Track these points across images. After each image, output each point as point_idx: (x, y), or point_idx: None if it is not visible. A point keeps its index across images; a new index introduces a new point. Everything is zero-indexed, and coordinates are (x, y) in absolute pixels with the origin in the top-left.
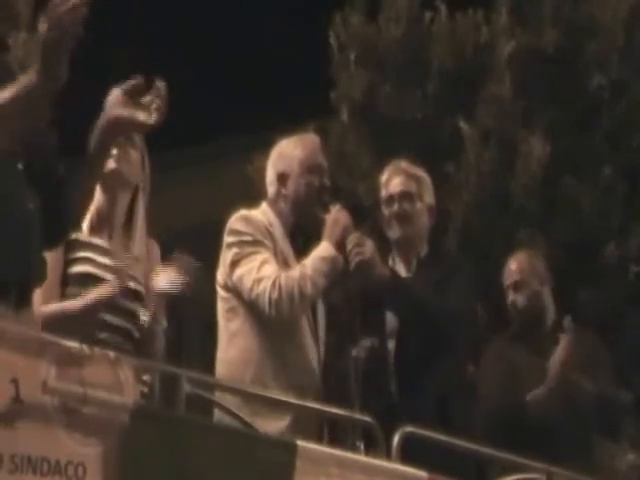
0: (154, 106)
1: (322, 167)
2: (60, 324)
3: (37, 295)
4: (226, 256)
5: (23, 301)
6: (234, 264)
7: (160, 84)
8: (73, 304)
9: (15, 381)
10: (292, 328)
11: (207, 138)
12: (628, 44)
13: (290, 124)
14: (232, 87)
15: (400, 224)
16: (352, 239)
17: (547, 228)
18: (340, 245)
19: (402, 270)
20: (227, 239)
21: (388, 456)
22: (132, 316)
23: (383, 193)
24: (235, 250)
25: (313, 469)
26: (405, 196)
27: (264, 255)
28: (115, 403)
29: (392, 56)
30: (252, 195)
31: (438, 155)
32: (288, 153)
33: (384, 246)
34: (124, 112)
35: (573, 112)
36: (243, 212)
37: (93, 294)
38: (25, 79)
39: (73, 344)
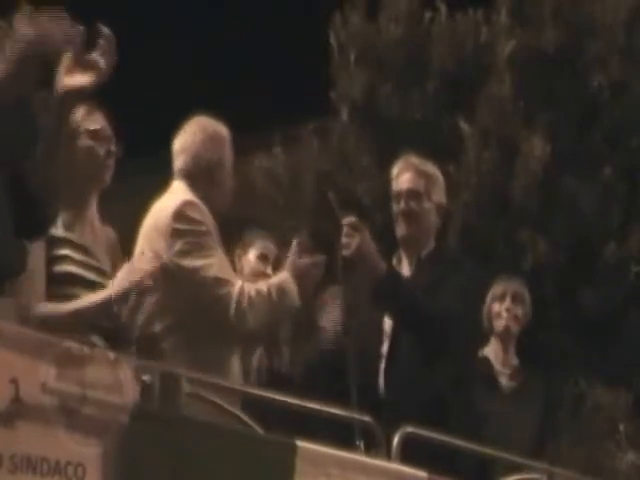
0: (101, 62)
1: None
2: (74, 323)
3: (30, 293)
4: (175, 241)
5: None
6: (188, 252)
7: (105, 32)
8: (86, 303)
9: (15, 381)
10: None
11: None
12: (628, 44)
13: (290, 124)
14: (232, 87)
15: (406, 222)
16: (346, 224)
17: (547, 228)
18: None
19: (406, 269)
20: (178, 225)
21: (388, 456)
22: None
23: (393, 187)
24: (189, 239)
25: (313, 469)
26: (412, 194)
27: (221, 254)
28: (114, 403)
29: (392, 56)
30: (252, 195)
31: (438, 155)
32: None
33: (390, 243)
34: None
35: (573, 112)
36: (191, 198)
37: (107, 291)
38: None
39: (73, 344)
